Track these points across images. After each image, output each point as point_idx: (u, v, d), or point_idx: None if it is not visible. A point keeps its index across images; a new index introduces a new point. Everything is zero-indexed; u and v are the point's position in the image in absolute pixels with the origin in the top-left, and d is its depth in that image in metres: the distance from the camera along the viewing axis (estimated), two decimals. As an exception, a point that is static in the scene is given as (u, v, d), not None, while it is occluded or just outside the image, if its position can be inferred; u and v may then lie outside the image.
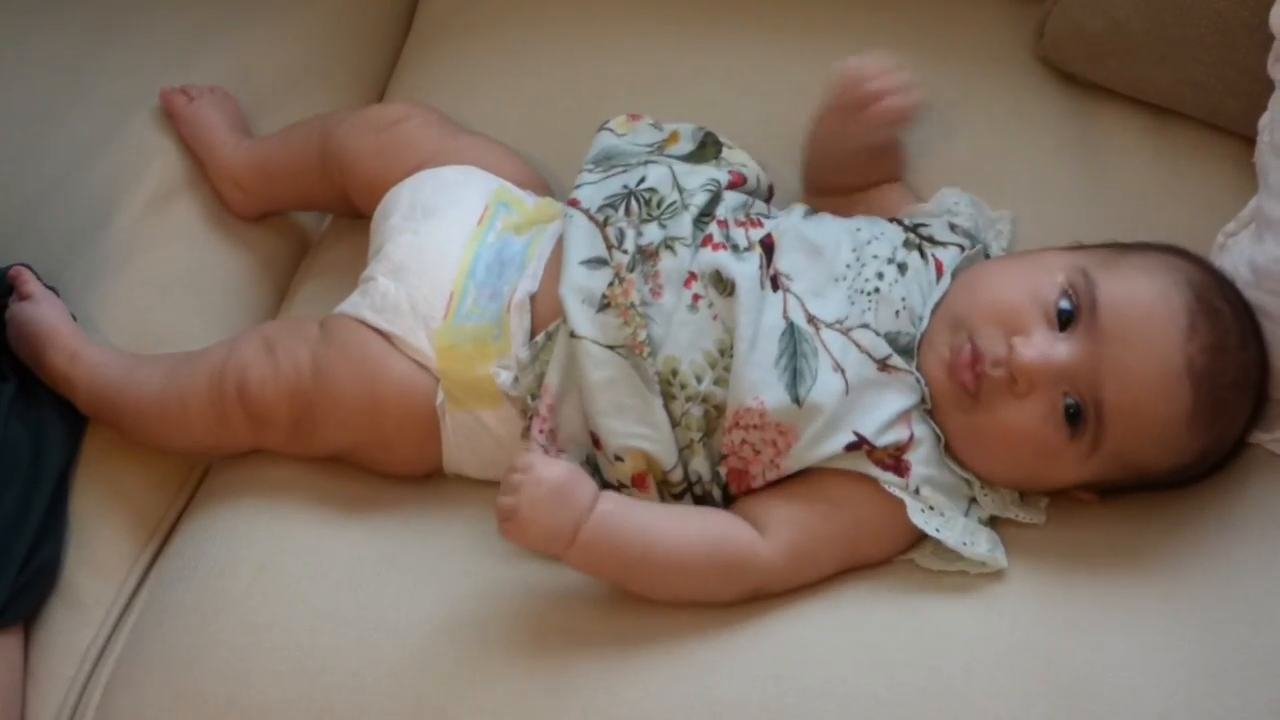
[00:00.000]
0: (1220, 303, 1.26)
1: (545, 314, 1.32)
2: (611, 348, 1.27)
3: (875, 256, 1.30)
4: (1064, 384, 1.23)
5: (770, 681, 1.20)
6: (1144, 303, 1.24)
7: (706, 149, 1.42)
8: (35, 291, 1.43)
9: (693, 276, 1.29)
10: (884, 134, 1.39)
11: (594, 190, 1.36)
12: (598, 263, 1.30)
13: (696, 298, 1.28)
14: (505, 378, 1.30)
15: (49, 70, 1.67)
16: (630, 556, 1.23)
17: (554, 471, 1.21)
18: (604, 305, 1.28)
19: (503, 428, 1.31)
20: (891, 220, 1.37)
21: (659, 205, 1.33)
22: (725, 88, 1.58)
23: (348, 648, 1.24)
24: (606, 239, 1.31)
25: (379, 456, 1.35)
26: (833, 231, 1.33)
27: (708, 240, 1.31)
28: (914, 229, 1.35)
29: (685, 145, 1.42)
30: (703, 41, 1.65)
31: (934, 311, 1.29)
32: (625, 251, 1.30)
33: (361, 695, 1.22)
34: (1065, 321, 1.24)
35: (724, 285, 1.28)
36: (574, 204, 1.35)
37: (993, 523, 1.28)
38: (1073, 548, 1.28)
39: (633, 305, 1.27)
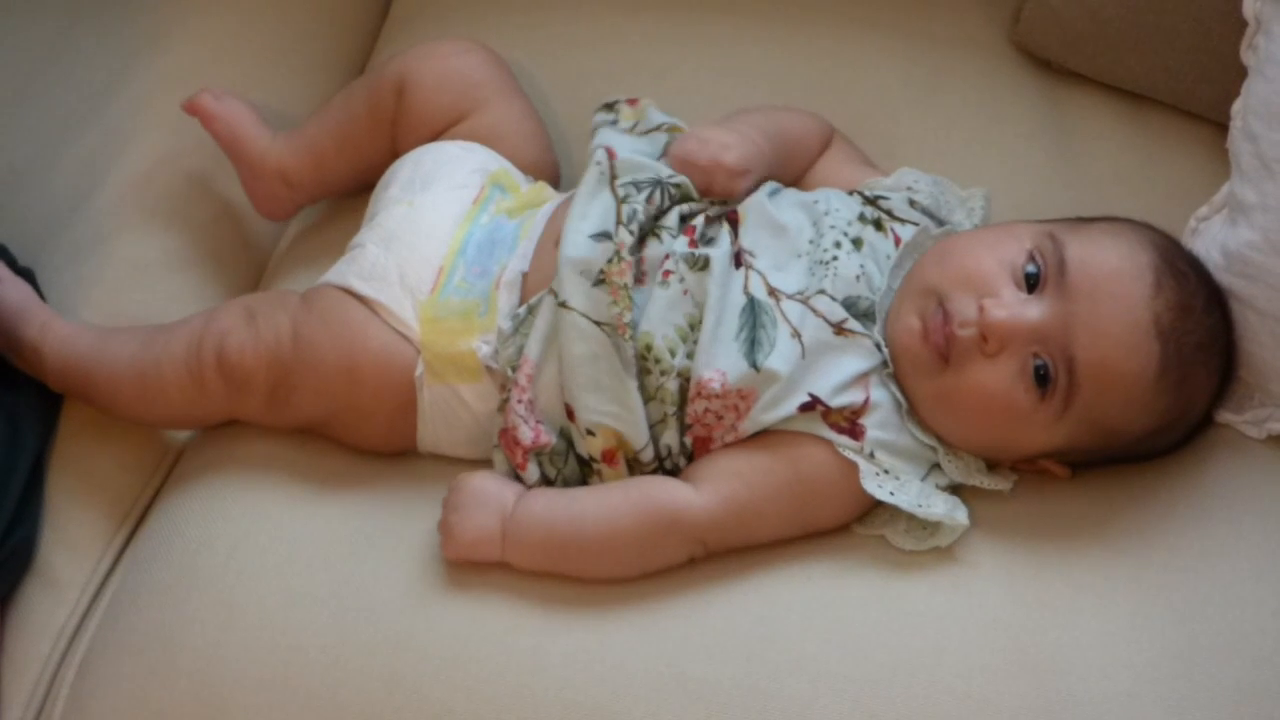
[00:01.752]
0: (1185, 266, 1.28)
1: (533, 291, 1.32)
2: (598, 324, 1.28)
3: (833, 227, 1.32)
4: (1034, 344, 1.24)
5: (742, 659, 1.21)
6: (1111, 261, 1.25)
7: None
8: (3, 275, 1.42)
9: (666, 256, 1.30)
10: (739, 190, 1.36)
11: (631, 159, 1.35)
12: (603, 236, 1.30)
13: (667, 273, 1.29)
14: (487, 351, 1.31)
15: (26, 51, 1.67)
16: (562, 538, 1.25)
17: (473, 480, 1.27)
18: (599, 280, 1.29)
19: (480, 404, 1.32)
20: (852, 193, 1.38)
21: (674, 200, 1.34)
22: (702, 74, 1.59)
23: (322, 626, 1.24)
24: (619, 215, 1.31)
25: (353, 428, 1.36)
26: (795, 209, 1.34)
27: (689, 231, 1.32)
28: (874, 201, 1.36)
29: None
30: (680, 28, 1.65)
31: (901, 283, 1.30)
32: (631, 232, 1.30)
33: (336, 673, 1.23)
34: (1033, 284, 1.25)
35: (696, 261, 1.29)
36: (611, 155, 1.35)
37: (958, 492, 1.28)
38: (1043, 527, 1.29)
39: (625, 286, 1.28)
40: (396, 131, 1.47)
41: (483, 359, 1.31)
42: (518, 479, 1.30)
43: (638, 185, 1.33)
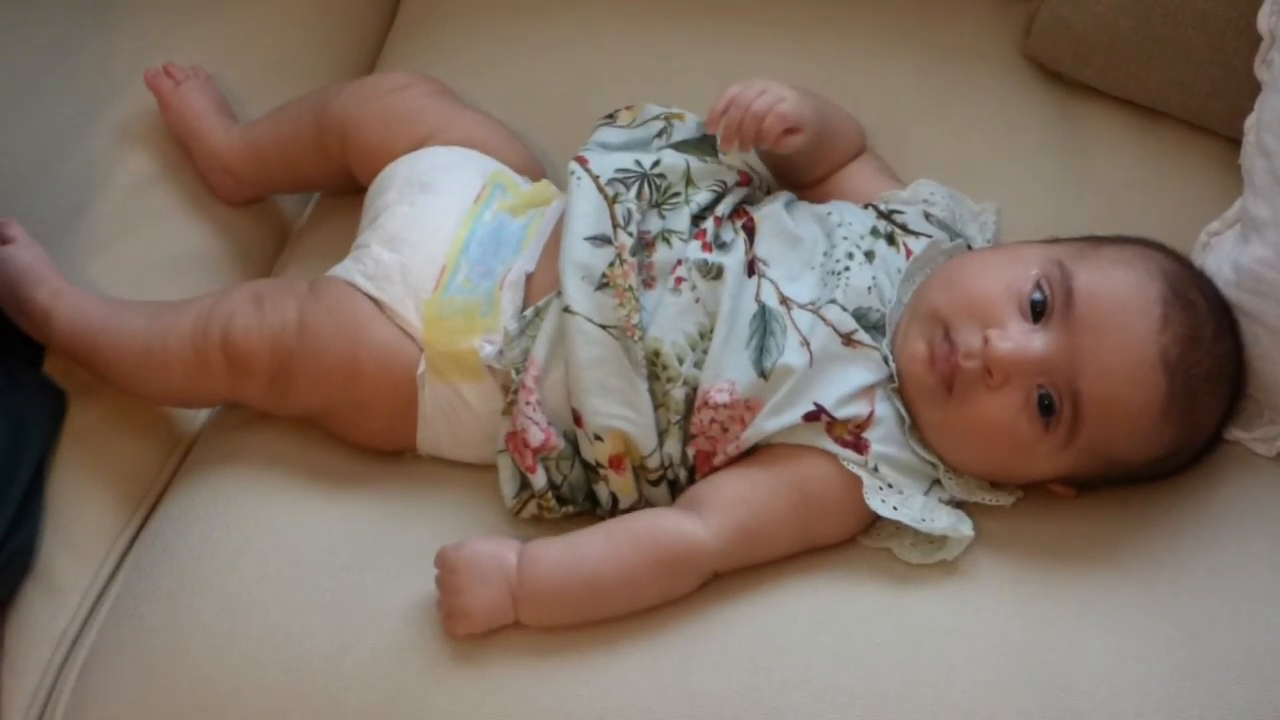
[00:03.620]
0: (1195, 295, 1.27)
1: (539, 293, 1.32)
2: (604, 327, 1.27)
3: (845, 239, 1.31)
4: (1039, 376, 1.23)
5: (748, 673, 1.20)
6: (1118, 293, 1.24)
7: (704, 143, 1.40)
8: (18, 236, 1.44)
9: (679, 262, 1.30)
10: (786, 147, 1.35)
11: (605, 157, 1.35)
12: (601, 240, 1.30)
13: (679, 280, 1.29)
14: (490, 351, 1.31)
15: (29, 52, 1.66)
16: (577, 594, 1.23)
17: (465, 552, 1.23)
18: (602, 284, 1.28)
19: (481, 404, 1.32)
20: (866, 206, 1.37)
21: (664, 192, 1.34)
22: (710, 79, 1.55)
23: (325, 633, 1.24)
24: (614, 216, 1.31)
25: (352, 422, 1.36)
26: (810, 221, 1.34)
27: (701, 235, 1.32)
28: (888, 215, 1.36)
29: (689, 128, 1.40)
30: (688, 33, 1.64)
31: (909, 302, 1.30)
32: (630, 234, 1.30)
33: (338, 682, 1.22)
34: (1039, 313, 1.24)
35: (709, 269, 1.29)
36: (581, 162, 1.34)
37: (960, 507, 1.28)
38: (1051, 543, 1.28)
39: (630, 288, 1.28)
40: (353, 168, 1.48)
41: (485, 358, 1.31)
42: (524, 484, 1.30)
43: (625, 182, 1.33)
